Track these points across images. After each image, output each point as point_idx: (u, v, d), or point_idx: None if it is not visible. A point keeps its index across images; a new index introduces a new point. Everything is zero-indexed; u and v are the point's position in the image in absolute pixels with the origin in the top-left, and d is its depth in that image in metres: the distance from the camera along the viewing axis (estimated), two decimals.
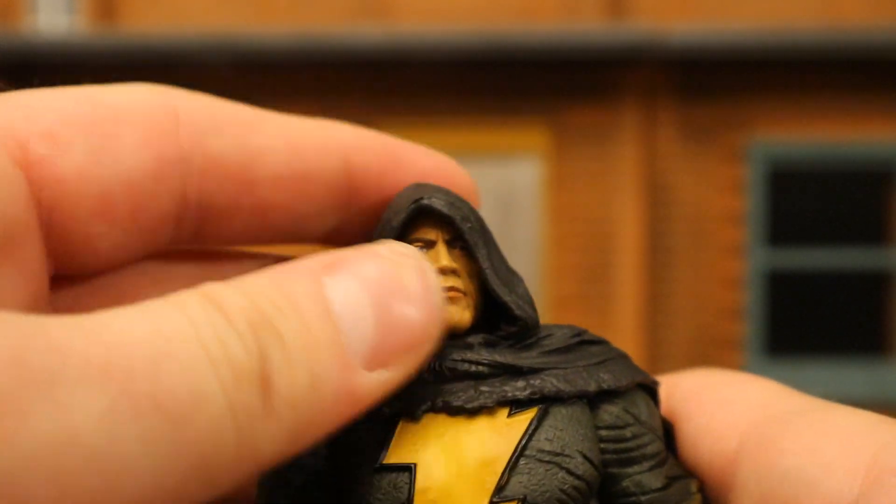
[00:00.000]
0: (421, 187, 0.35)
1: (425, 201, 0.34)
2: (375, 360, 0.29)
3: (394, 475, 0.31)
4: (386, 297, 0.29)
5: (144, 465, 0.22)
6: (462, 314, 0.34)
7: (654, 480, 0.34)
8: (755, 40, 4.15)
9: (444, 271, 0.33)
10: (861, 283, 4.36)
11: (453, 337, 0.34)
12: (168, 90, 0.35)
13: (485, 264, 0.34)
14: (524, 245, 4.29)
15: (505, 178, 4.32)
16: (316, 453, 0.33)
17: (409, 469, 0.31)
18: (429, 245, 0.34)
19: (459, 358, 0.33)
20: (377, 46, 4.20)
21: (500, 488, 0.31)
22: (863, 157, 4.35)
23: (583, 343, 0.36)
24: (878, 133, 4.31)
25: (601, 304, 4.24)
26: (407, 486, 0.30)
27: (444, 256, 0.34)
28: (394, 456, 0.31)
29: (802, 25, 4.22)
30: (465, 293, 0.34)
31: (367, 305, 0.29)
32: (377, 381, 0.29)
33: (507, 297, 0.34)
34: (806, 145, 4.35)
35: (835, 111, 4.30)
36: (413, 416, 0.31)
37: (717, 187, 4.33)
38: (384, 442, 0.31)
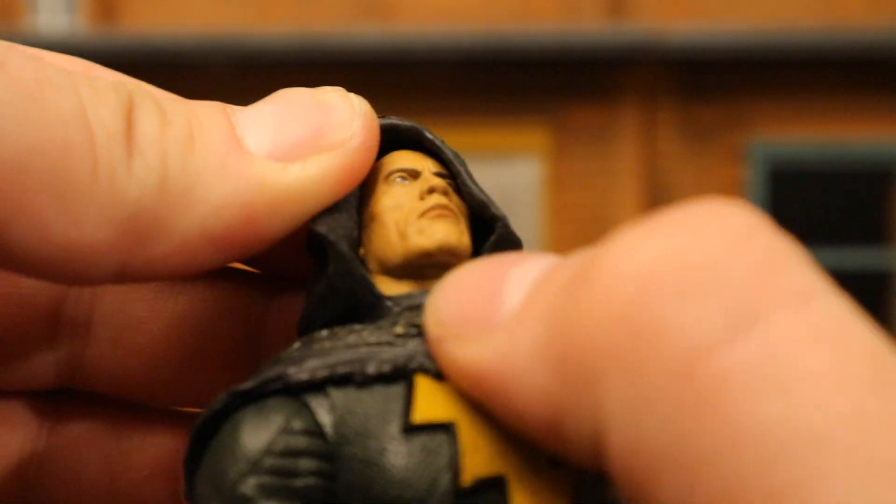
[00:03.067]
0: (390, 118, 0.30)
1: (398, 121, 0.30)
2: (280, 153, 0.27)
3: (425, 437, 0.24)
4: (294, 106, 0.28)
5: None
6: (460, 236, 0.28)
7: None
8: (755, 40, 4.15)
9: (433, 190, 0.28)
10: (861, 283, 4.36)
11: None
12: None
13: (465, 178, 0.29)
14: (524, 245, 4.29)
15: (505, 178, 4.32)
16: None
17: (446, 428, 0.24)
18: (412, 175, 0.29)
19: None
20: (377, 46, 4.20)
21: None
22: (863, 157, 4.35)
23: None
24: (878, 133, 4.31)
25: None
26: (448, 449, 0.24)
27: (431, 178, 0.29)
28: (422, 412, 0.24)
29: (802, 25, 4.22)
30: (459, 217, 0.28)
31: (272, 113, 0.28)
32: (291, 174, 0.27)
33: (495, 210, 0.29)
34: (806, 145, 4.35)
35: (835, 111, 4.31)
36: (430, 372, 0.25)
37: (717, 187, 4.33)
38: (406, 399, 0.24)
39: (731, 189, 4.32)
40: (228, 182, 0.26)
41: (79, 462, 0.33)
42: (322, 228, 0.27)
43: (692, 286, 0.19)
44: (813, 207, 4.38)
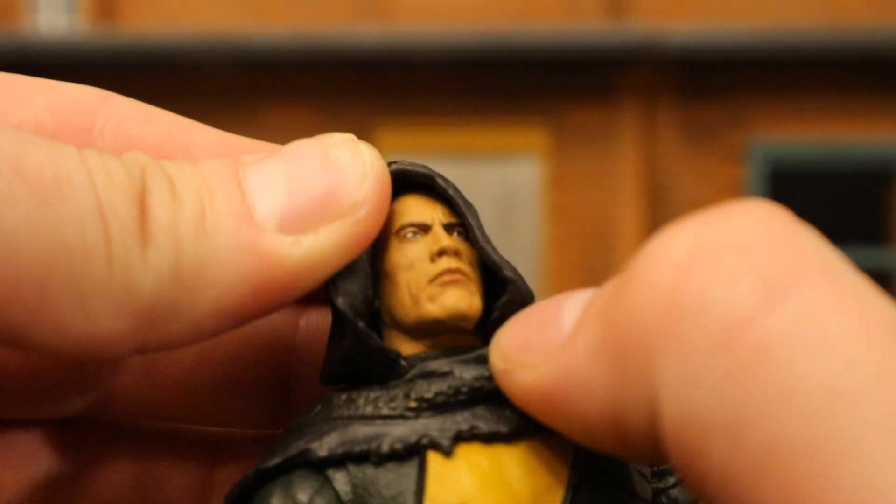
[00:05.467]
0: (402, 163, 0.30)
1: (409, 167, 0.30)
2: (291, 224, 0.27)
3: None
4: (304, 166, 0.28)
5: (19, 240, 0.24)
6: (470, 301, 0.28)
7: (689, 495, 0.29)
8: (755, 40, 4.16)
9: (445, 252, 0.28)
10: None
11: (464, 351, 0.28)
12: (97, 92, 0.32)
13: (477, 234, 0.29)
14: (524, 245, 4.29)
15: (505, 178, 4.32)
16: None
17: None
18: (422, 230, 0.29)
19: (481, 375, 0.28)
20: (377, 46, 4.21)
21: None
22: (863, 157, 4.35)
23: None
24: (878, 133, 4.31)
25: None
26: None
27: (443, 237, 0.29)
28: (433, 497, 0.26)
29: (802, 25, 4.23)
30: (470, 278, 0.29)
31: (282, 176, 0.27)
32: (303, 247, 0.27)
33: (508, 272, 0.29)
34: (806, 145, 4.35)
35: (835, 111, 4.31)
36: (442, 448, 0.26)
37: (717, 187, 4.33)
38: (418, 481, 0.26)
39: (731, 189, 4.32)
40: (240, 261, 0.26)
41: (107, 489, 0.33)
42: (339, 301, 0.28)
43: (727, 265, 0.21)
44: (813, 207, 4.38)
